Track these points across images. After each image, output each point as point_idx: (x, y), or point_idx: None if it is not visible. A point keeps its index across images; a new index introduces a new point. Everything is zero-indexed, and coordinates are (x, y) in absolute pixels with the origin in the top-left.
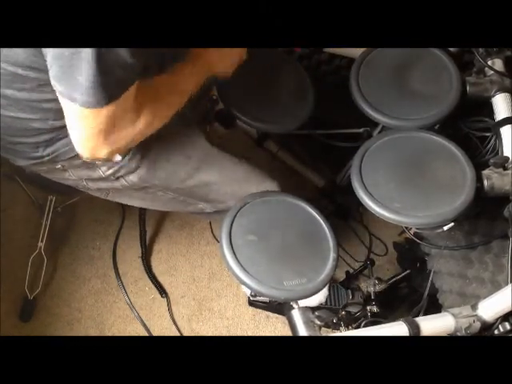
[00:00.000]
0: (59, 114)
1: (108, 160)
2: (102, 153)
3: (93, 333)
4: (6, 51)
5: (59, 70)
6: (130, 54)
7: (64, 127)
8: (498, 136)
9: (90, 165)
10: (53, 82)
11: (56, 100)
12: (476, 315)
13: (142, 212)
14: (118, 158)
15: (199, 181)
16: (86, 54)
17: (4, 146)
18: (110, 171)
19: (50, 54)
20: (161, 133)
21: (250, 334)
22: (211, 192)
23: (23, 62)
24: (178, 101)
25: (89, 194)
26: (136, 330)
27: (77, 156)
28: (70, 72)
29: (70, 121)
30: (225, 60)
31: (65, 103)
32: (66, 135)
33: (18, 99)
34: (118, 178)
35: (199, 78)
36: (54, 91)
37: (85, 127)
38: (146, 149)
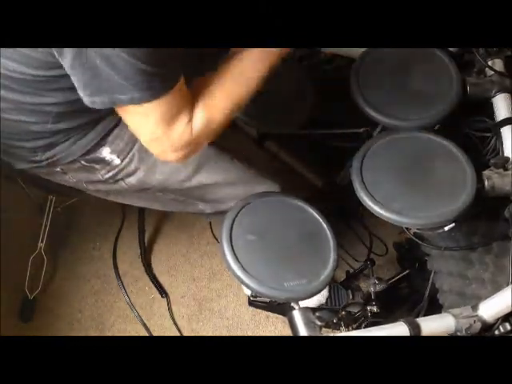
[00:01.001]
0: (59, 117)
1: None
2: (171, 156)
3: (93, 333)
4: (16, 56)
5: (94, 82)
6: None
7: (62, 131)
8: (499, 136)
9: (89, 168)
10: (91, 99)
11: (57, 104)
12: (476, 316)
13: (141, 212)
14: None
15: (198, 182)
16: (120, 53)
17: (3, 149)
18: (109, 174)
19: (75, 71)
20: None
21: (249, 333)
22: (211, 193)
23: (38, 65)
24: (243, 90)
25: (89, 194)
26: (136, 330)
27: (76, 160)
28: (106, 78)
29: (130, 128)
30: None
31: (120, 113)
32: (65, 140)
33: (20, 102)
34: (117, 181)
35: (263, 64)
36: (57, 95)
37: (140, 130)
38: (144, 151)
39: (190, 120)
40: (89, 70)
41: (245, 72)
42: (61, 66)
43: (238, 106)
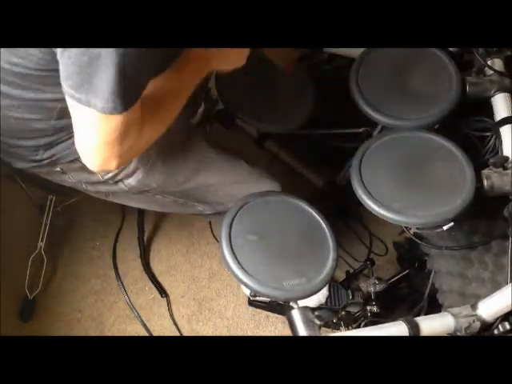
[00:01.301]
0: (62, 113)
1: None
2: (112, 164)
3: (93, 333)
4: (20, 51)
5: (77, 77)
6: (147, 56)
7: (65, 128)
8: (498, 136)
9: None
10: (70, 91)
11: (61, 100)
12: (476, 315)
13: (141, 212)
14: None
15: (198, 183)
16: (106, 59)
17: (3, 148)
18: (109, 175)
19: (65, 61)
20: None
21: (249, 333)
22: (210, 194)
23: (38, 61)
24: (179, 102)
25: (89, 194)
26: (136, 330)
27: (76, 160)
28: (89, 78)
29: (81, 129)
30: (225, 59)
31: (79, 110)
32: (66, 139)
33: (24, 99)
34: (116, 182)
35: (199, 76)
36: (60, 90)
37: (98, 135)
38: (143, 152)
39: (140, 130)
40: (74, 65)
41: (183, 87)
42: None
43: (174, 117)
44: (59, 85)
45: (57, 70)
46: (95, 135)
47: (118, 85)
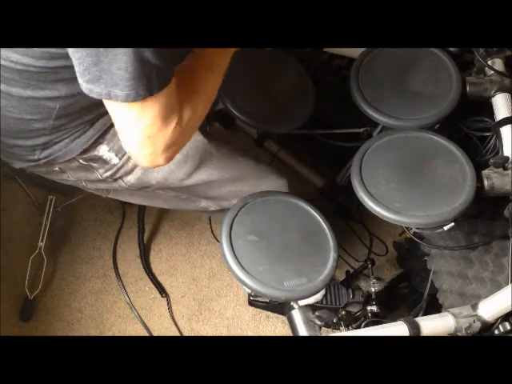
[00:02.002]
0: (61, 111)
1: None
2: (160, 159)
3: (93, 333)
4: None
5: (95, 68)
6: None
7: (62, 128)
8: (498, 136)
9: (88, 167)
10: (88, 86)
11: (60, 98)
12: (476, 315)
13: (141, 212)
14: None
15: (199, 179)
16: (111, 52)
17: (2, 148)
18: (108, 173)
19: (79, 54)
20: None
21: (250, 333)
22: (213, 190)
23: (37, 57)
24: (216, 79)
25: (89, 192)
26: (136, 330)
27: (73, 159)
28: (107, 67)
29: (119, 126)
30: None
31: (109, 107)
32: (63, 138)
33: (22, 97)
34: (115, 180)
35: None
36: (59, 87)
37: (133, 128)
38: None
39: (180, 119)
40: (91, 56)
41: (214, 83)
42: (63, 56)
43: (213, 96)
44: (58, 82)
45: (56, 67)
46: (130, 128)
47: (137, 70)
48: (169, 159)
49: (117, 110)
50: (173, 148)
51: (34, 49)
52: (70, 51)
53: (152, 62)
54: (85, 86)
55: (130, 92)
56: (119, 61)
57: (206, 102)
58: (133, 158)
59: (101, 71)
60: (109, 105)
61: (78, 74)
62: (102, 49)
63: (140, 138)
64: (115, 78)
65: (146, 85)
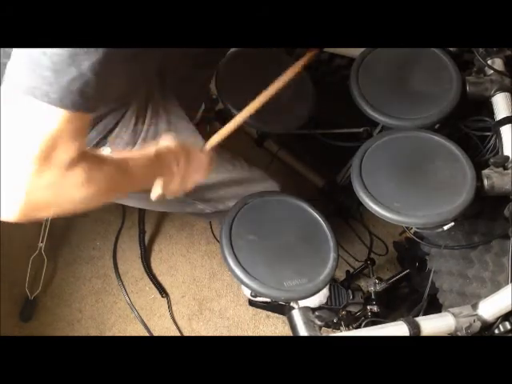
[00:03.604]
0: None
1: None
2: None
3: (93, 333)
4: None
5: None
6: (93, 67)
7: None
8: (498, 135)
9: None
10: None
11: None
12: (476, 315)
13: (141, 212)
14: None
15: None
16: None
17: None
18: None
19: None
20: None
21: (250, 333)
22: (210, 193)
23: None
24: (129, 187)
25: None
26: (136, 330)
27: None
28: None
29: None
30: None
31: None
32: None
33: None
34: None
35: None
36: None
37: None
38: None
39: (72, 162)
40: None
41: (144, 177)
42: None
43: (112, 195)
44: None
45: None
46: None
47: (53, 74)
48: (23, 213)
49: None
50: (33, 198)
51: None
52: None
53: (68, 78)
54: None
55: (41, 93)
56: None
57: (114, 185)
58: None
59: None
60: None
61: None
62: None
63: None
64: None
65: (57, 94)
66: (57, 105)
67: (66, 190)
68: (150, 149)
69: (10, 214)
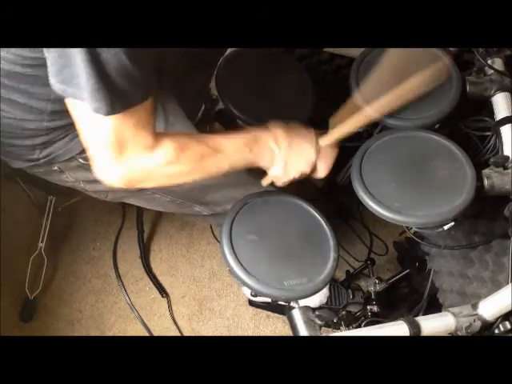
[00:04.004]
0: (54, 114)
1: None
2: (114, 176)
3: (93, 333)
4: (10, 51)
5: (68, 71)
6: (131, 59)
7: (60, 128)
8: (498, 135)
9: (87, 166)
10: (61, 86)
11: (50, 100)
12: (476, 314)
13: (140, 212)
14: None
15: (196, 184)
16: (76, 58)
17: (1, 148)
18: None
19: (52, 55)
20: None
21: (250, 333)
22: (209, 195)
23: (23, 58)
24: (223, 166)
25: (88, 194)
26: (136, 330)
27: (73, 158)
28: (81, 72)
29: (83, 129)
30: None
31: (76, 108)
32: (62, 137)
33: (15, 101)
34: None
35: (253, 161)
36: (48, 92)
37: (95, 133)
38: None
39: (150, 147)
40: (63, 57)
41: (238, 157)
42: (40, 62)
43: (207, 172)
44: (46, 86)
45: (43, 72)
46: (95, 135)
47: (97, 84)
48: (126, 183)
49: (80, 110)
50: (131, 175)
51: (8, 54)
52: (45, 51)
53: (113, 81)
54: (58, 86)
55: (98, 104)
56: (90, 67)
57: (199, 169)
58: (96, 170)
59: (72, 74)
60: (72, 104)
61: (50, 74)
62: (70, 52)
63: (99, 145)
64: (81, 84)
65: (103, 101)
66: (109, 114)
67: (155, 168)
68: (250, 130)
69: (115, 184)
